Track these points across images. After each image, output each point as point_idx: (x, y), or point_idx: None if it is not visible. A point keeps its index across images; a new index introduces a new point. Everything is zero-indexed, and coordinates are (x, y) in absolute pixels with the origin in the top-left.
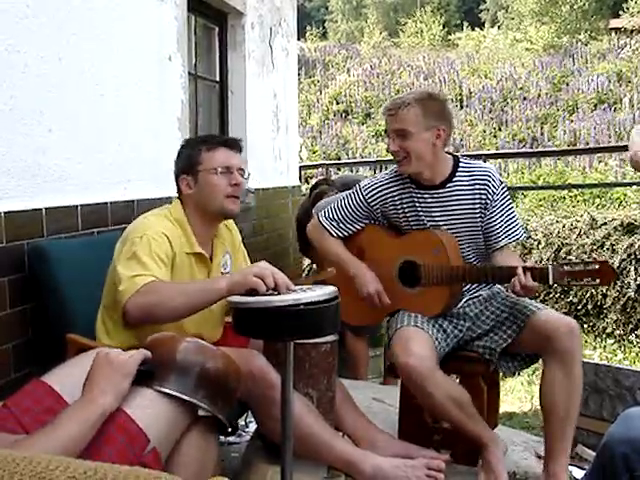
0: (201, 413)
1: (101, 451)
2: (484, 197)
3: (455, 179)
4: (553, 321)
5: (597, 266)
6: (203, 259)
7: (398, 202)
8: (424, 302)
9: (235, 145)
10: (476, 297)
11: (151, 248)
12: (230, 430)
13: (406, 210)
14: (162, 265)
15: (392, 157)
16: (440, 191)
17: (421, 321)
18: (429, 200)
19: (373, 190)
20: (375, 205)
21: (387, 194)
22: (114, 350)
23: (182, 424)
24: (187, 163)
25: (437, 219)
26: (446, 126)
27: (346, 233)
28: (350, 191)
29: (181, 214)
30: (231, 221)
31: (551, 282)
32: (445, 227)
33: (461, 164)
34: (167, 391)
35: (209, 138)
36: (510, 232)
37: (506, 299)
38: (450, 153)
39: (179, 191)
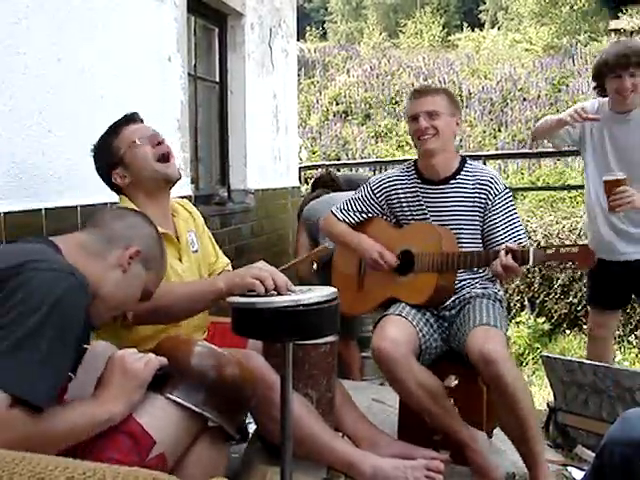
0: (210, 424)
1: (105, 451)
2: (484, 199)
3: (459, 177)
4: (474, 347)
5: (576, 250)
6: (169, 239)
7: (402, 195)
8: (413, 288)
9: (136, 118)
10: (464, 296)
11: None
12: (240, 437)
13: (410, 203)
14: None
15: (412, 139)
16: (443, 187)
17: (407, 311)
18: (432, 195)
19: (380, 183)
20: (381, 197)
21: (393, 187)
22: (129, 354)
23: (192, 432)
24: (108, 158)
25: (438, 214)
26: (459, 118)
27: (352, 220)
28: (362, 185)
29: (130, 205)
30: (189, 203)
31: (532, 263)
32: (445, 222)
33: (467, 165)
34: (177, 400)
35: (110, 127)
36: (511, 235)
37: (479, 305)
38: (461, 155)
39: (118, 190)
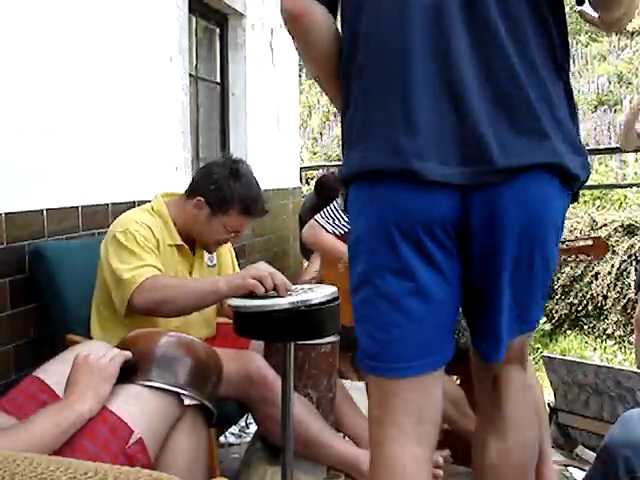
0: (187, 402)
1: (83, 446)
2: None
3: None
4: None
5: (590, 242)
6: (185, 252)
7: None
8: None
9: (260, 215)
10: None
11: (137, 239)
12: (216, 419)
13: None
14: (152, 252)
15: None
16: None
17: None
18: None
19: None
20: None
21: None
22: (93, 352)
23: (171, 415)
24: (215, 198)
25: None
26: None
27: (341, 230)
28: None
29: (163, 208)
30: None
31: None
32: None
33: None
34: (151, 384)
35: (250, 202)
36: None
37: None
38: None
39: (189, 196)
